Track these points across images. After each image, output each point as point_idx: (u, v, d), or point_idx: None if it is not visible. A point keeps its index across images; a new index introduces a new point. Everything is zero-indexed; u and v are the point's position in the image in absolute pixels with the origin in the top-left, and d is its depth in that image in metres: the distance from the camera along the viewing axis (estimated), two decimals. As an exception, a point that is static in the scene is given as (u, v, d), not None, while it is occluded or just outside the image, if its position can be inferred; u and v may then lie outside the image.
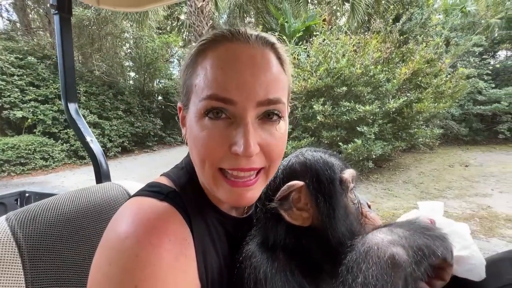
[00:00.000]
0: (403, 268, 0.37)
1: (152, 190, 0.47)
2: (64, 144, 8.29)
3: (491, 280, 0.43)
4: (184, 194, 0.48)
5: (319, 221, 0.49)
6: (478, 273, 0.46)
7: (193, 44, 0.50)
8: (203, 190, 0.52)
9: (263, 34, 0.46)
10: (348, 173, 0.52)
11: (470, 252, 0.46)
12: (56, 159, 7.98)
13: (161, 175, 0.53)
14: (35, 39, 8.96)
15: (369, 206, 0.55)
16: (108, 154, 9.11)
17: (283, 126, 0.46)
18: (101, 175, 0.86)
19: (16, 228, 0.52)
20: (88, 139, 0.84)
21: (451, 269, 0.44)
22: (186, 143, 0.50)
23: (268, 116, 0.44)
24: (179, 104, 0.50)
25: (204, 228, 0.48)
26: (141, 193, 0.47)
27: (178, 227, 0.43)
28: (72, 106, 0.84)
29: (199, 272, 0.45)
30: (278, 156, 0.46)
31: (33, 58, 8.03)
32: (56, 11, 0.81)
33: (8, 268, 0.49)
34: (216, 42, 0.44)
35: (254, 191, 0.46)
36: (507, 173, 5.88)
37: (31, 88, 7.94)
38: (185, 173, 0.53)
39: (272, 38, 0.47)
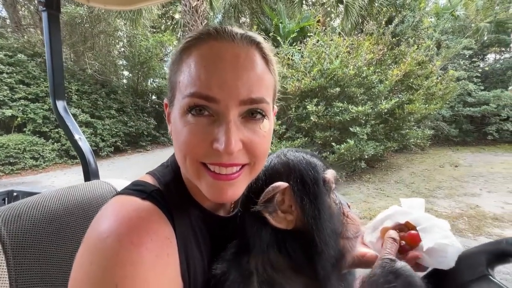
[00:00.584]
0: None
1: (135, 189, 0.47)
2: (55, 143, 8.14)
3: (466, 272, 0.45)
4: (167, 192, 0.48)
5: (303, 223, 0.48)
6: (448, 264, 0.49)
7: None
8: (187, 189, 0.52)
9: (249, 33, 0.46)
10: (330, 173, 0.52)
11: (450, 241, 0.49)
12: (46, 159, 7.83)
13: (146, 173, 0.53)
14: (25, 36, 8.79)
15: (348, 206, 0.56)
16: (100, 154, 8.98)
17: (267, 125, 0.47)
18: (90, 173, 0.85)
19: (0, 225, 0.52)
20: (76, 137, 0.83)
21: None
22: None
23: (252, 115, 0.44)
24: (165, 101, 0.51)
25: (187, 227, 0.48)
26: (125, 191, 0.47)
27: (160, 226, 0.43)
28: (61, 104, 0.84)
29: (181, 270, 0.45)
30: (263, 153, 0.46)
31: (23, 56, 7.87)
32: (44, 8, 0.80)
33: (-9, 265, 0.49)
34: (201, 40, 0.44)
35: (237, 187, 0.45)
36: (495, 173, 6.03)
37: (21, 86, 7.77)
38: (170, 172, 0.53)
39: (258, 37, 0.47)
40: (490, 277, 0.42)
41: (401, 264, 0.47)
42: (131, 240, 0.38)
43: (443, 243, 0.48)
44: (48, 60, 0.83)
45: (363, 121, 5.06)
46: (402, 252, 0.52)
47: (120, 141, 9.72)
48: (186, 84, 0.42)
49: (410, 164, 7.14)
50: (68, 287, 0.38)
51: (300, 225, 0.48)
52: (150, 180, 0.51)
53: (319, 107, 4.97)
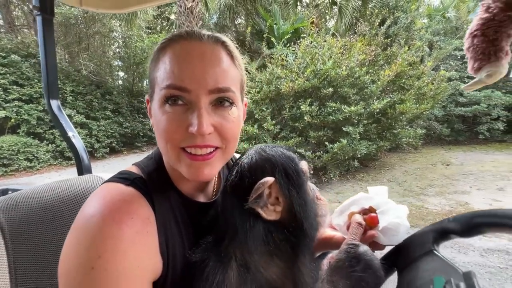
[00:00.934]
0: None
1: (120, 177, 0.53)
2: (50, 144, 8.10)
3: (416, 249, 0.51)
4: (149, 180, 0.54)
5: (289, 212, 0.53)
6: (398, 240, 0.56)
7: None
8: (169, 177, 0.57)
9: (216, 34, 0.54)
10: (304, 164, 0.57)
11: (401, 221, 0.56)
12: (41, 160, 7.79)
13: (132, 164, 0.59)
14: (19, 37, 8.74)
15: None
16: (95, 155, 8.95)
17: (236, 111, 0.54)
18: (83, 168, 0.90)
19: (-1, 213, 0.57)
20: (70, 134, 0.88)
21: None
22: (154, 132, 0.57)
23: (221, 103, 0.51)
24: (147, 97, 0.56)
25: (167, 211, 0.54)
26: (111, 179, 0.53)
27: (140, 207, 0.49)
28: (55, 103, 0.88)
29: (160, 249, 0.50)
30: (233, 137, 0.54)
31: (17, 57, 7.82)
32: (39, 13, 0.85)
33: (-9, 248, 0.54)
34: (173, 41, 0.51)
35: (212, 167, 0.52)
36: (485, 171, 6.16)
37: (14, 87, 7.72)
38: (153, 163, 0.59)
39: (223, 37, 0.55)
40: (435, 251, 0.48)
41: (363, 248, 0.52)
42: (113, 218, 0.44)
43: (395, 222, 0.55)
44: (42, 61, 0.87)
45: (356, 121, 5.14)
46: (363, 232, 0.58)
47: (115, 142, 9.70)
48: (163, 78, 0.49)
49: (403, 163, 7.25)
50: (59, 262, 0.43)
51: (285, 215, 0.53)
52: (134, 170, 0.56)
53: (312, 107, 5.05)
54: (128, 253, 0.43)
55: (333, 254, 0.57)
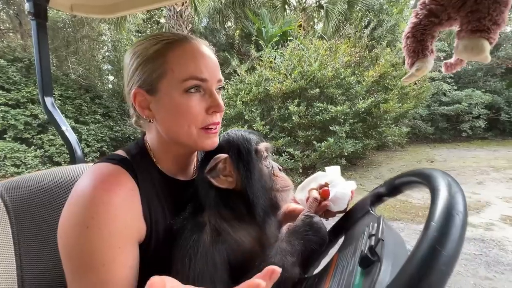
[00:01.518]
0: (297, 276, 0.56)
1: (107, 158, 0.63)
2: (38, 150, 7.97)
3: (358, 212, 0.63)
4: (133, 160, 0.63)
5: (240, 183, 0.64)
6: (343, 207, 0.70)
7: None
8: (152, 159, 0.67)
9: (201, 38, 0.66)
10: (262, 145, 0.68)
11: (346, 191, 0.69)
12: (29, 166, 7.65)
13: (119, 149, 0.68)
14: (4, 41, 8.60)
15: (280, 169, 0.72)
16: (85, 159, 8.83)
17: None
18: (76, 159, 0.98)
19: (4, 192, 0.65)
20: (63, 128, 0.97)
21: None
22: (138, 125, 0.67)
23: (219, 89, 0.65)
24: (136, 90, 0.61)
25: (150, 186, 0.63)
26: (99, 160, 0.62)
27: (126, 180, 0.58)
28: (49, 100, 0.97)
29: (144, 215, 0.59)
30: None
31: (2, 61, 7.70)
32: (33, 18, 0.93)
33: (-1, 222, 0.62)
34: (176, 42, 0.60)
35: (217, 138, 0.67)
36: (466, 167, 6.44)
37: (0, 92, 7.60)
38: (137, 146, 0.68)
39: (206, 42, 0.67)
40: (371, 211, 0.59)
41: (316, 219, 0.64)
42: (103, 187, 0.53)
43: (341, 192, 0.67)
44: (36, 61, 0.96)
45: (342, 120, 5.32)
46: (318, 204, 0.69)
47: (106, 146, 9.60)
48: (184, 72, 0.58)
49: (390, 161, 7.49)
50: (58, 226, 0.52)
51: (239, 185, 0.64)
52: (121, 152, 0.66)
53: (300, 107, 5.20)
54: (117, 215, 0.53)
55: (291, 223, 0.67)
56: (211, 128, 0.63)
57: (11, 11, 10.31)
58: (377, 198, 0.61)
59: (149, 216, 0.60)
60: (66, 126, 0.99)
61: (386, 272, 0.37)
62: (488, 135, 10.11)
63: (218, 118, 0.64)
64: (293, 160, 5.30)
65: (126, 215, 0.55)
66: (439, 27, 0.70)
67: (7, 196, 0.65)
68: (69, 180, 0.81)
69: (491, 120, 10.09)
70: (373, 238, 0.43)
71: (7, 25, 10.80)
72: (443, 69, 0.77)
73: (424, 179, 0.42)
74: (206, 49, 0.63)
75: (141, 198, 0.60)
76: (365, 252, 0.41)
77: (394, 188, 0.56)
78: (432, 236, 0.29)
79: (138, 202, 0.59)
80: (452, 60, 0.75)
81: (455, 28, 0.67)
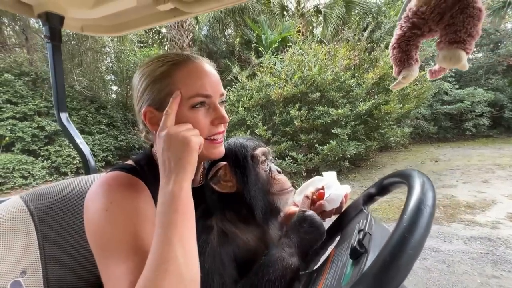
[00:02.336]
0: (296, 268, 0.61)
1: (117, 167, 0.69)
2: (45, 161, 8.13)
3: (352, 211, 0.68)
4: (141, 169, 0.69)
5: (239, 187, 0.70)
6: (336, 204, 0.74)
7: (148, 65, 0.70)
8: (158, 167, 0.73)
9: (203, 57, 0.72)
10: (259, 150, 0.74)
11: (339, 193, 0.74)
12: (36, 177, 7.79)
13: (128, 159, 0.74)
14: (11, 56, 8.85)
15: (279, 172, 0.77)
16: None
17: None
18: (90, 169, 1.05)
19: (28, 202, 0.72)
20: (78, 141, 1.04)
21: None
22: (147, 139, 0.73)
23: (221, 102, 0.70)
24: (146, 109, 0.65)
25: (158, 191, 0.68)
26: (110, 170, 0.68)
27: (137, 183, 0.64)
28: (63, 115, 1.04)
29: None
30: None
31: (10, 75, 7.92)
32: (49, 41, 1.01)
33: (26, 229, 0.68)
34: (181, 62, 0.65)
35: (223, 147, 0.71)
36: (471, 165, 6.41)
37: (8, 105, 7.79)
38: (145, 157, 0.74)
39: (207, 59, 0.73)
40: (364, 210, 0.65)
41: (309, 213, 0.70)
42: (117, 184, 0.60)
43: (335, 193, 0.73)
44: (52, 80, 1.03)
45: (344, 123, 5.36)
46: (314, 204, 0.75)
47: (111, 155, 9.74)
48: (190, 90, 0.63)
49: (394, 162, 7.47)
50: (84, 221, 0.58)
51: (239, 189, 0.70)
52: (129, 162, 0.72)
53: (301, 111, 5.26)
54: (133, 201, 0.59)
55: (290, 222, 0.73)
56: (216, 139, 0.68)
57: (17, 27, 10.63)
58: (369, 198, 0.66)
59: None
60: (80, 139, 1.06)
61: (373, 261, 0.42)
62: (492, 133, 10.03)
63: (222, 128, 0.69)
64: (296, 164, 5.34)
65: (141, 200, 0.61)
66: (422, 38, 0.76)
67: (32, 205, 0.72)
68: (85, 189, 0.87)
69: (495, 118, 10.03)
70: (361, 232, 0.48)
71: (14, 40, 11.12)
72: (428, 75, 0.82)
73: (404, 178, 0.47)
74: (208, 66, 0.68)
75: (154, 199, 0.65)
76: (355, 245, 0.46)
77: (383, 188, 0.61)
78: (403, 226, 0.34)
79: (149, 194, 0.65)
80: (435, 67, 0.81)
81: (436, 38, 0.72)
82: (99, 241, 0.55)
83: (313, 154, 5.36)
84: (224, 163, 0.70)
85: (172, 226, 0.49)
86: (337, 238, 0.71)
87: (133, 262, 0.51)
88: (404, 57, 0.76)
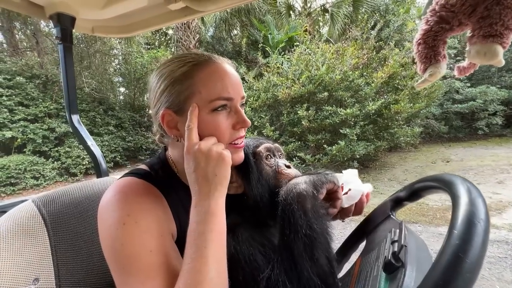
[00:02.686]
0: (307, 196, 0.56)
1: (131, 172, 0.66)
2: (55, 162, 8.27)
3: (379, 216, 0.64)
4: (156, 174, 0.67)
5: (245, 186, 0.69)
6: (355, 200, 0.69)
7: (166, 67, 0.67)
8: (175, 173, 0.70)
9: (223, 57, 0.69)
10: (262, 147, 0.72)
11: (358, 189, 0.69)
12: (47, 178, 7.94)
13: (142, 163, 0.72)
14: (23, 60, 9.04)
15: (288, 166, 0.73)
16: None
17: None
18: (101, 172, 1.04)
19: (41, 206, 0.70)
20: (89, 143, 1.02)
21: (339, 191, 0.65)
22: (161, 142, 0.70)
23: (242, 105, 0.67)
24: (164, 111, 0.62)
25: (174, 197, 0.66)
26: (124, 175, 0.65)
27: (153, 189, 0.62)
28: (75, 117, 1.03)
29: (175, 221, 0.63)
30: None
31: (21, 78, 8.10)
32: (60, 42, 1.00)
33: (38, 234, 0.67)
34: (201, 63, 0.62)
35: (243, 153, 0.69)
36: (484, 166, 6.23)
37: (20, 107, 7.97)
38: (159, 161, 0.71)
39: (228, 60, 0.70)
40: (392, 216, 0.60)
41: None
42: (132, 192, 0.57)
43: (355, 189, 0.69)
44: (64, 83, 1.02)
45: (352, 123, 5.27)
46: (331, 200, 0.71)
47: (119, 156, 9.86)
48: (211, 93, 0.60)
49: (403, 162, 7.33)
50: (98, 230, 0.56)
51: (246, 188, 0.69)
52: (143, 167, 0.69)
53: (309, 111, 5.20)
54: (151, 211, 0.56)
55: None
56: (237, 143, 0.65)
57: (28, 31, 10.87)
58: (397, 203, 0.62)
59: (179, 221, 0.64)
60: (91, 141, 1.05)
61: (411, 277, 0.38)
62: (506, 132, 9.75)
63: (243, 132, 0.67)
64: (304, 165, 5.28)
65: (158, 211, 0.58)
66: (450, 33, 0.71)
67: (44, 210, 0.70)
68: (97, 193, 0.85)
69: (508, 117, 9.74)
70: (396, 244, 0.44)
71: (25, 44, 11.37)
72: (455, 73, 0.77)
73: (445, 185, 0.43)
74: (229, 67, 0.65)
75: (169, 205, 0.63)
76: (389, 258, 0.42)
77: (413, 192, 0.57)
78: (454, 244, 0.30)
79: (166, 204, 0.62)
80: (464, 64, 0.75)
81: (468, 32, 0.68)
82: (117, 257, 0.51)
83: (321, 155, 5.29)
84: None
85: (209, 247, 0.48)
86: (361, 244, 0.67)
87: (154, 281, 0.49)
88: (431, 53, 0.71)
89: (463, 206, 0.35)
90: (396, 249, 0.43)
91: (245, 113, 0.67)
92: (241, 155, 0.67)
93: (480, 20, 0.62)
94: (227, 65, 0.65)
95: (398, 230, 0.48)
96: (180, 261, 0.56)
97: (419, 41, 0.73)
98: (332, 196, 0.66)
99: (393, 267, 0.41)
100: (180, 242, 0.63)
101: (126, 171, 0.69)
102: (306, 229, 0.52)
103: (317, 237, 0.52)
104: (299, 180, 0.61)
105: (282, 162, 0.73)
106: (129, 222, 0.52)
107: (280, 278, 0.51)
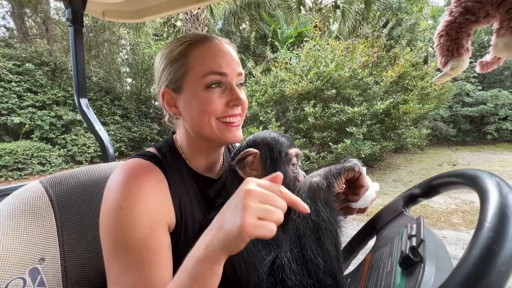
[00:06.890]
0: (319, 189, 0.55)
1: (139, 154, 0.66)
2: (62, 149, 8.38)
3: (391, 212, 0.62)
4: (163, 158, 0.66)
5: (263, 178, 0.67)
6: (365, 204, 0.66)
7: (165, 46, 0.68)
8: (181, 156, 0.70)
9: (222, 37, 0.69)
10: (293, 150, 0.70)
11: (371, 194, 0.66)
12: (53, 164, 8.05)
13: (151, 147, 0.71)
14: (32, 47, 9.10)
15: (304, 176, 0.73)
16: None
17: (243, 90, 0.70)
18: (108, 157, 1.03)
19: (48, 187, 0.70)
20: (96, 127, 1.02)
21: (361, 178, 0.61)
22: (170, 123, 0.69)
23: (240, 84, 0.67)
24: (164, 90, 0.65)
25: (179, 181, 0.65)
26: (131, 157, 0.65)
27: (156, 172, 0.61)
28: (83, 101, 1.02)
29: (174, 205, 0.62)
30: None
31: (30, 65, 8.16)
32: (71, 24, 0.99)
33: (45, 215, 0.66)
34: (197, 42, 0.63)
35: (240, 132, 0.68)
36: (493, 171, 6.03)
37: (28, 94, 8.06)
38: (167, 145, 0.71)
39: (227, 39, 0.70)
40: (405, 212, 0.58)
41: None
42: (134, 174, 0.57)
43: (367, 194, 0.66)
44: (73, 66, 1.02)
45: (359, 122, 5.21)
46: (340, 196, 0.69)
47: (124, 146, 9.94)
48: (203, 68, 0.61)
49: (409, 164, 7.25)
50: (100, 212, 0.55)
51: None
52: (152, 150, 0.69)
53: (316, 108, 5.14)
54: (147, 197, 0.56)
55: None
56: (231, 122, 0.65)
57: (38, 18, 10.92)
58: (410, 199, 0.60)
59: (179, 208, 0.63)
60: (99, 126, 1.04)
61: (430, 272, 0.37)
62: (516, 137, 9.56)
63: (239, 110, 0.66)
64: (308, 162, 5.25)
65: (155, 199, 0.57)
66: (476, 25, 0.68)
67: (51, 191, 0.70)
68: (103, 176, 0.85)
69: (519, 122, 9.54)
70: (414, 238, 0.43)
71: (35, 31, 11.44)
72: (477, 68, 0.74)
73: (469, 180, 0.41)
74: (226, 46, 0.65)
75: (171, 191, 0.62)
76: (407, 252, 0.40)
77: (430, 189, 0.55)
78: (488, 236, 0.28)
79: (167, 191, 0.62)
80: (488, 58, 0.72)
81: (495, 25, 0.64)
82: (109, 240, 0.53)
83: (326, 153, 5.26)
84: (255, 150, 0.67)
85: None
86: (371, 242, 0.65)
87: (133, 273, 0.50)
88: (454, 46, 0.68)
89: (495, 199, 0.33)
90: (414, 243, 0.41)
91: (250, 105, 0.66)
92: (236, 134, 0.66)
93: (510, 11, 0.59)
94: (224, 44, 0.66)
95: (415, 225, 0.46)
96: (169, 253, 0.56)
97: (441, 33, 0.70)
98: (355, 184, 0.63)
99: (411, 262, 0.39)
100: (180, 229, 0.62)
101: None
102: (313, 215, 0.51)
103: (325, 224, 0.50)
104: (313, 173, 0.60)
105: (302, 172, 0.73)
106: (124, 207, 0.53)
107: (285, 257, 0.50)
